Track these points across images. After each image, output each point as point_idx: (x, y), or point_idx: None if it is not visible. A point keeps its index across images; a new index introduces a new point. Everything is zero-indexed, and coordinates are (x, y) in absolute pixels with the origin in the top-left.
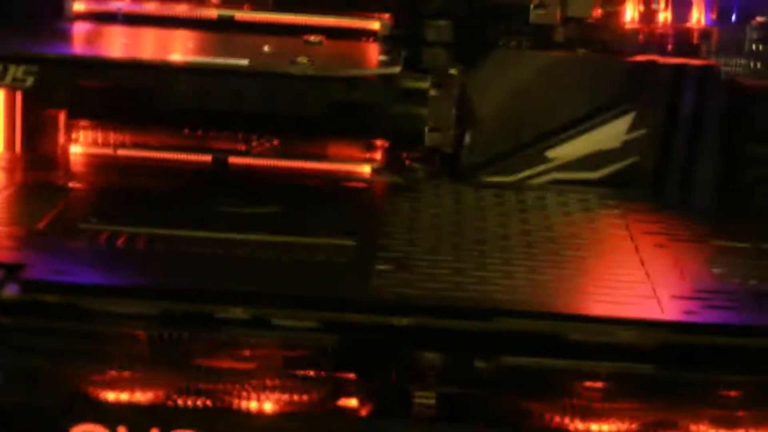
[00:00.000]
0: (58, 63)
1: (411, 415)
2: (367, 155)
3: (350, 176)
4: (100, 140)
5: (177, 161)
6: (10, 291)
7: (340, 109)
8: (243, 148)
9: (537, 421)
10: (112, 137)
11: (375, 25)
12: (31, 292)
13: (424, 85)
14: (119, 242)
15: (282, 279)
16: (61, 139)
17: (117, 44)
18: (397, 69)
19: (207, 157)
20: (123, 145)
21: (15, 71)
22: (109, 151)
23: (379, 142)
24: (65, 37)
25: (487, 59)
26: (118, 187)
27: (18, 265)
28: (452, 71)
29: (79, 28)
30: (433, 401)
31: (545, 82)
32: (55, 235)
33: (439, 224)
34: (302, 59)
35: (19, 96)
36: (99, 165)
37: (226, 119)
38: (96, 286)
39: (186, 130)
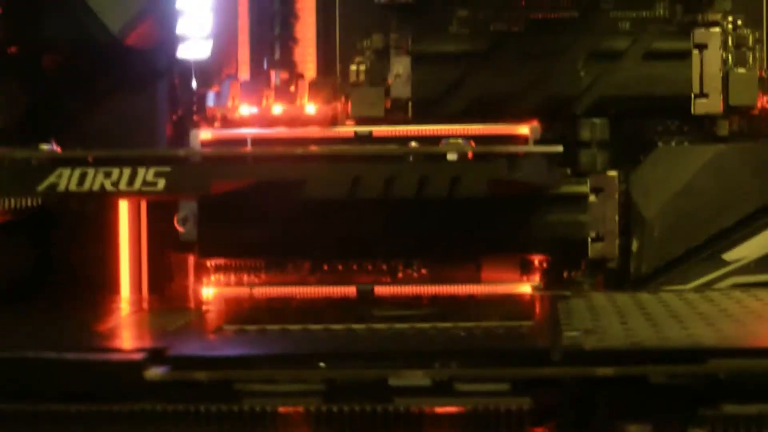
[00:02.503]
0: (191, 163)
1: None
2: (525, 277)
3: (508, 298)
4: (233, 280)
5: (318, 295)
6: (157, 371)
7: (494, 213)
8: (388, 279)
9: None
10: (246, 277)
11: (524, 131)
12: (179, 369)
13: (584, 189)
14: (269, 333)
15: (463, 343)
16: (191, 280)
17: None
18: (560, 147)
19: (351, 289)
20: (258, 285)
21: (145, 174)
22: (243, 290)
23: (536, 260)
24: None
25: (647, 158)
26: (257, 307)
27: (161, 348)
28: (611, 174)
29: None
30: None
31: (711, 179)
32: (196, 332)
33: (623, 311)
34: (456, 140)
35: (144, 237)
36: (233, 298)
37: (370, 245)
38: (252, 357)
39: (325, 266)
